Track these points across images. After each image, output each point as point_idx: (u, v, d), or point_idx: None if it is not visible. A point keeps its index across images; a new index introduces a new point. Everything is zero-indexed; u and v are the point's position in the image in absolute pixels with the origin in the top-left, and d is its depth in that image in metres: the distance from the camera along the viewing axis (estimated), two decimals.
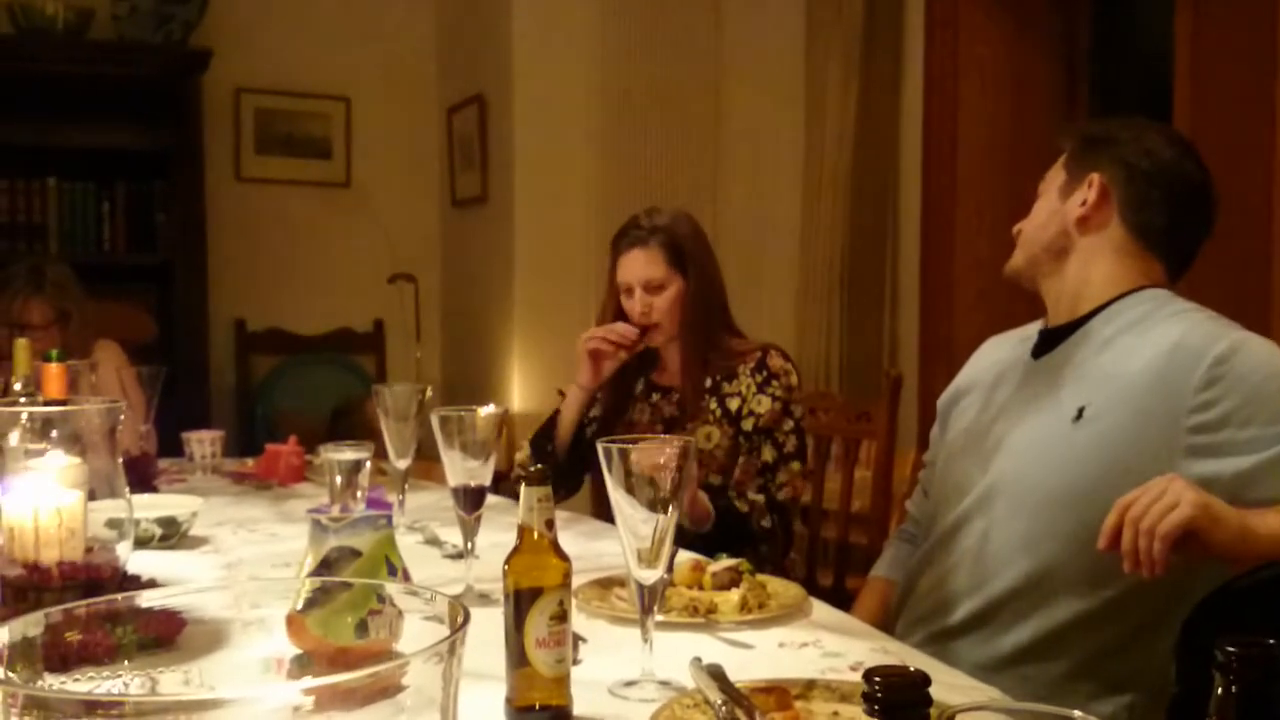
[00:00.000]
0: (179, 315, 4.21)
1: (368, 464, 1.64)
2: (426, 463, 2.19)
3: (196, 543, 1.92)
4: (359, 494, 1.62)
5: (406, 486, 2.04)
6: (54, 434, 1.36)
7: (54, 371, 1.41)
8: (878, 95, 4.14)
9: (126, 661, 0.68)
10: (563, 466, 2.21)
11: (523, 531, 1.15)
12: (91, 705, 0.50)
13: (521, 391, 4.27)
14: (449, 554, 1.85)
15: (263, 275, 4.57)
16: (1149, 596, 1.51)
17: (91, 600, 0.61)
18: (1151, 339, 1.55)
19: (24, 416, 1.36)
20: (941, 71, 3.91)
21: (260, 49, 4.50)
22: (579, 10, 4.21)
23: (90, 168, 4.21)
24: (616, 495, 1.20)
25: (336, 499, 1.62)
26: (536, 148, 4.24)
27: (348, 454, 1.62)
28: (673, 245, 2.20)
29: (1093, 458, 1.53)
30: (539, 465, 1.16)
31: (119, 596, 0.64)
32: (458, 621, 0.57)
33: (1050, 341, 1.70)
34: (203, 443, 2.71)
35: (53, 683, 0.58)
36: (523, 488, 1.15)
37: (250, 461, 2.70)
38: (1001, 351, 1.82)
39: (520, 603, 1.11)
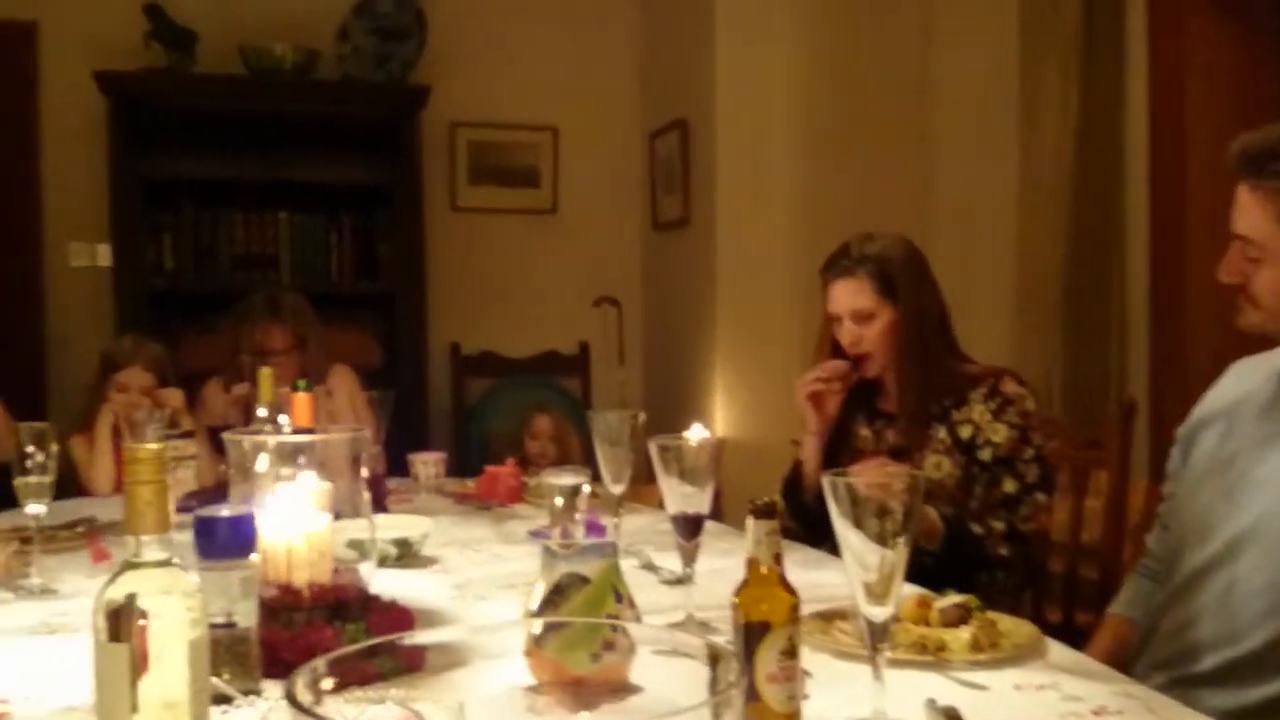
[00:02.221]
0: (400, 341, 4.39)
1: (586, 488, 1.66)
2: (636, 486, 2.21)
3: (426, 562, 2.00)
4: (577, 517, 1.65)
5: (621, 511, 2.06)
6: (301, 459, 1.44)
7: (302, 400, 1.50)
8: (1098, 106, 3.95)
9: (385, 685, 0.76)
10: (818, 515, 2.19)
11: (751, 564, 1.14)
12: None
13: (724, 414, 4.26)
14: (665, 580, 1.86)
15: (475, 300, 4.72)
16: None
17: (370, 643, 0.67)
18: None
19: (274, 444, 1.44)
20: (1167, 79, 3.70)
21: (473, 84, 4.67)
22: (783, 32, 4.20)
23: (318, 201, 4.46)
24: (841, 526, 1.18)
25: (556, 522, 1.65)
26: (738, 170, 4.25)
27: (567, 479, 1.65)
28: (882, 275, 2.15)
29: None
30: (770, 499, 1.15)
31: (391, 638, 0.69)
32: (728, 679, 0.57)
33: None
34: (427, 464, 2.81)
35: (332, 705, 0.63)
36: (750, 521, 1.15)
37: (470, 482, 2.79)
38: (1249, 376, 1.71)
39: (750, 637, 1.11)
